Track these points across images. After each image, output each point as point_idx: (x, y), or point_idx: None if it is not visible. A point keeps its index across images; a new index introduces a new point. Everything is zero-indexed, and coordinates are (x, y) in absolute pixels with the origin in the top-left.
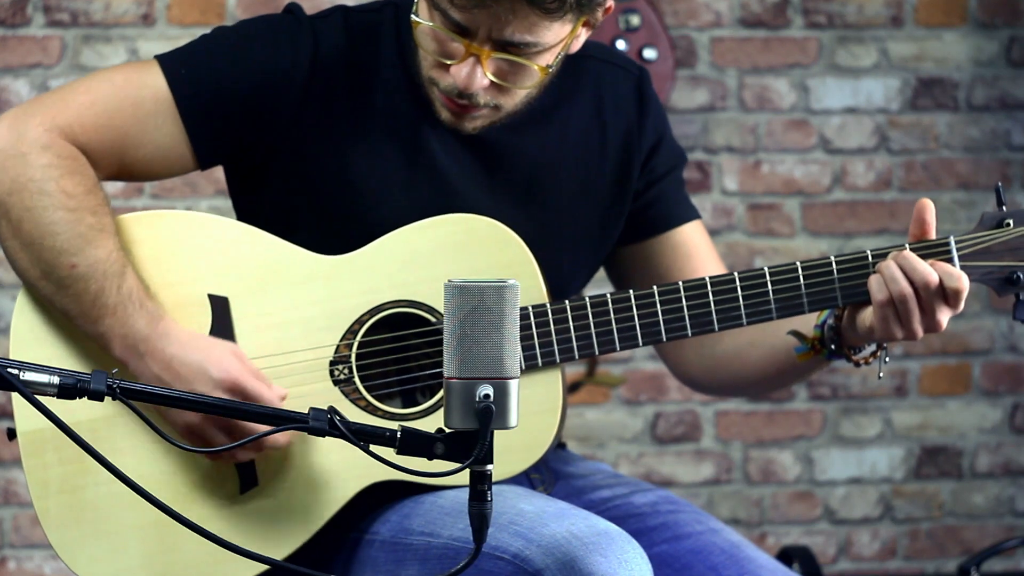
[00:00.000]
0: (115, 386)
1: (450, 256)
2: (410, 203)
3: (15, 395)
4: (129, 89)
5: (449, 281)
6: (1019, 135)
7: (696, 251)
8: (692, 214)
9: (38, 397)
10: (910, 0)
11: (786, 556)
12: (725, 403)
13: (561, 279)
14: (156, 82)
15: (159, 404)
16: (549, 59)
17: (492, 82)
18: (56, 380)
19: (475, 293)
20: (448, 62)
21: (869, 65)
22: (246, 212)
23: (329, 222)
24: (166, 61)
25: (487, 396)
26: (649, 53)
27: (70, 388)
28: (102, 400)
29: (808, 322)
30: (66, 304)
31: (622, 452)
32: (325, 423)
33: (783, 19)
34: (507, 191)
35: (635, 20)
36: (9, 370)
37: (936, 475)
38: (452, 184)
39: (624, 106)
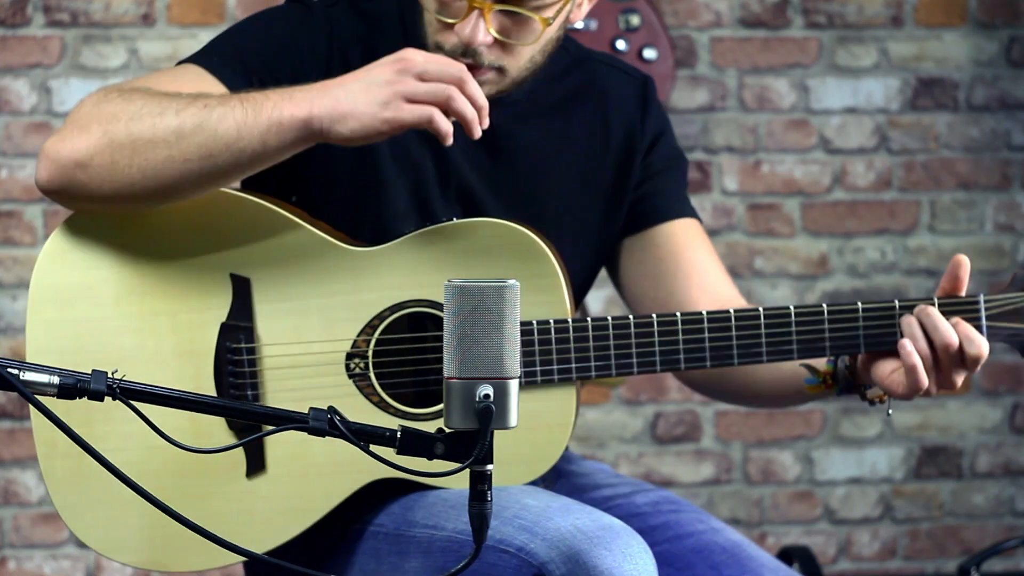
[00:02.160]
0: (115, 386)
1: (477, 261)
2: (412, 186)
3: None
4: (171, 76)
5: (449, 281)
6: (1019, 135)
7: (689, 248)
8: (688, 212)
9: (38, 397)
10: (910, 0)
11: (786, 556)
12: (725, 403)
13: (571, 262)
14: (195, 70)
15: (159, 404)
16: (551, 13)
17: (496, 39)
18: (56, 380)
19: (475, 293)
20: (451, 21)
21: (869, 65)
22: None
23: (340, 198)
24: (195, 58)
25: (487, 396)
26: (649, 53)
27: (70, 388)
28: (102, 400)
29: None
30: (223, 126)
31: (622, 452)
32: (325, 423)
33: (783, 19)
34: (509, 178)
35: (635, 20)
36: (9, 370)
37: (936, 475)
38: (455, 168)
39: (628, 105)
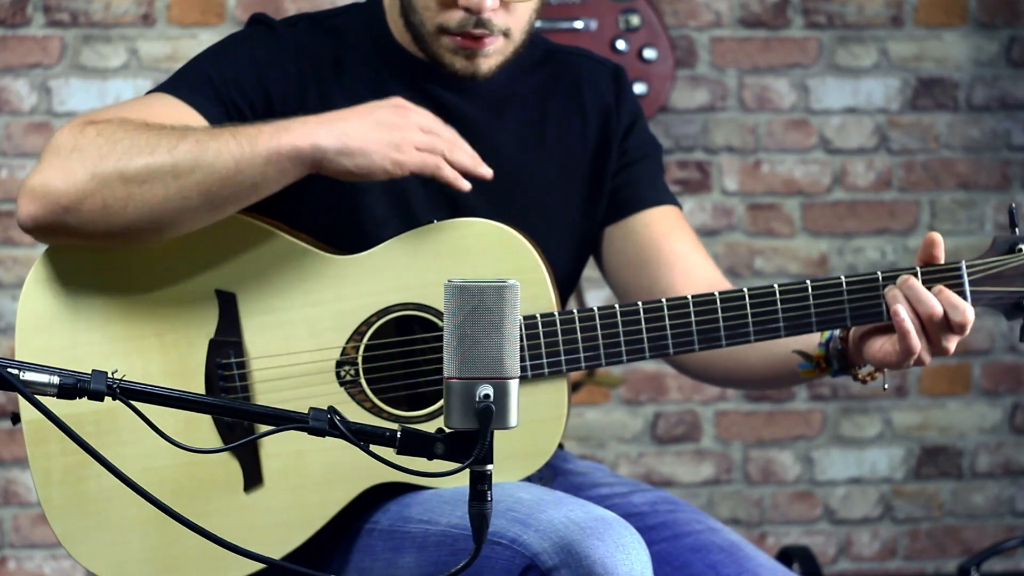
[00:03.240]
0: (115, 386)
1: (459, 260)
2: (393, 187)
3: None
4: (144, 105)
5: (449, 281)
6: (1019, 135)
7: (668, 235)
8: (667, 199)
9: (38, 397)
10: (910, 0)
11: (786, 556)
12: (725, 403)
13: (548, 257)
14: (167, 99)
15: (158, 404)
16: None
17: (501, 1)
18: (56, 380)
19: (475, 293)
20: None
21: (869, 65)
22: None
23: (319, 207)
24: (166, 87)
25: (487, 396)
26: (649, 53)
27: (70, 388)
28: (102, 400)
29: (811, 337)
30: (220, 160)
31: (622, 452)
32: (325, 423)
33: (783, 19)
34: (491, 171)
35: (635, 20)
36: (9, 370)
37: (936, 475)
38: None
39: (602, 93)
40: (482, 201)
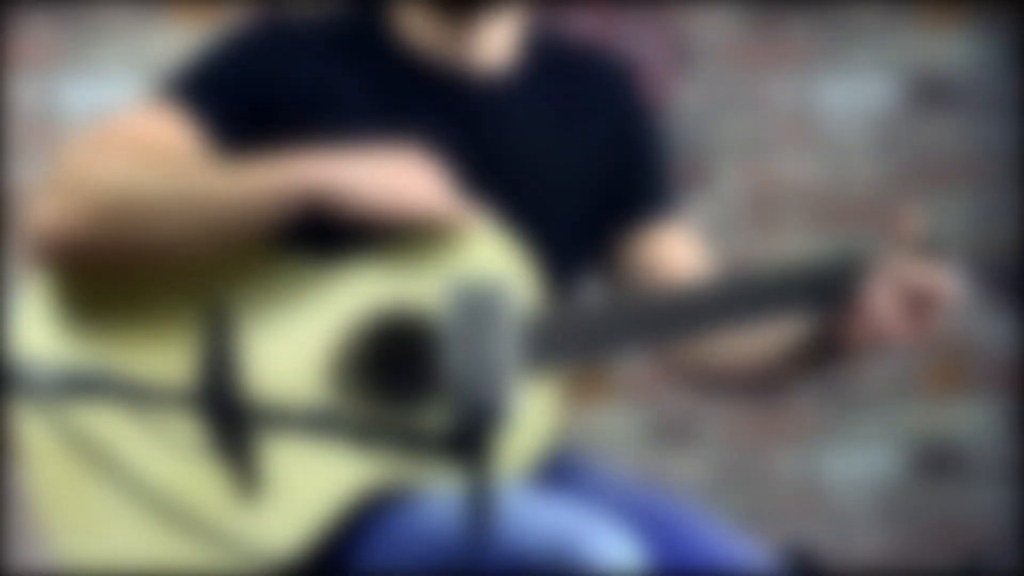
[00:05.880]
0: (116, 385)
1: (446, 261)
2: None
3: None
4: (153, 127)
5: (449, 281)
6: (1019, 135)
7: (670, 254)
8: (673, 214)
9: (35, 398)
10: (910, 0)
11: (786, 556)
12: (725, 403)
13: (562, 259)
14: (175, 120)
15: (157, 401)
16: None
17: None
18: (55, 379)
19: (475, 292)
20: None
21: (869, 65)
22: None
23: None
24: (170, 93)
25: (487, 396)
26: (649, 53)
27: (70, 386)
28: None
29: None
30: (254, 211)
31: (622, 452)
32: (326, 423)
33: (783, 19)
34: (501, 173)
35: (634, 20)
36: (6, 369)
37: (936, 475)
38: (450, 163)
39: (616, 95)
40: (491, 199)
